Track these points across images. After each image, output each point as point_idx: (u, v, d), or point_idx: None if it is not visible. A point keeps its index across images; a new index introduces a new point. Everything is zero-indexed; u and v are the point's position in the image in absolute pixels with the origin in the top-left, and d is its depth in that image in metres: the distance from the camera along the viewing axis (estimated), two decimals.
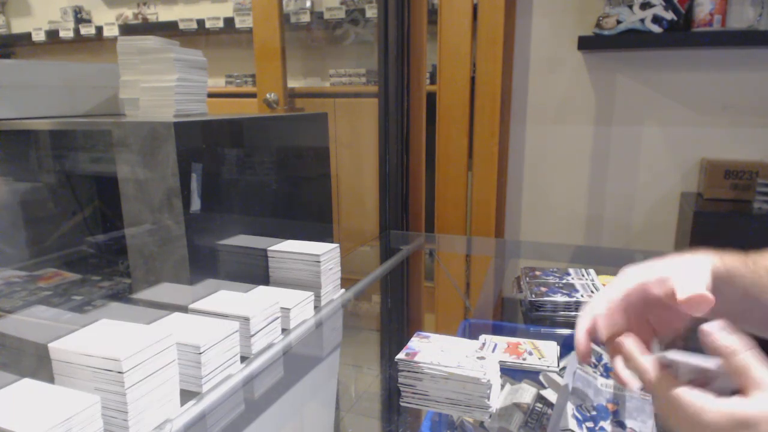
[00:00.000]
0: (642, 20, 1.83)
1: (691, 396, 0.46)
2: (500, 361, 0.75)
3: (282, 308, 0.91)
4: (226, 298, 0.89)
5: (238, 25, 3.03)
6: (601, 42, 1.91)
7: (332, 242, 1.07)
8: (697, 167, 2.01)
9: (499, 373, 0.77)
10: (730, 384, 0.46)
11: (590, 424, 0.76)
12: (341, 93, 2.76)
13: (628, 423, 0.77)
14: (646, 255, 1.45)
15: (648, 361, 0.52)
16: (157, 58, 1.10)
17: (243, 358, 0.81)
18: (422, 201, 2.06)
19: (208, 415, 0.70)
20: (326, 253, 1.02)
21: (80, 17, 3.47)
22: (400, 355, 0.72)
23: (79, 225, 1.29)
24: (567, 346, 0.95)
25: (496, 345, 0.94)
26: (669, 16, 1.81)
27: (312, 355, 0.96)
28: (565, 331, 1.06)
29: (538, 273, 1.28)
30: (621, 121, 2.07)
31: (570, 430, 0.73)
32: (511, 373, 0.90)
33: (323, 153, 1.43)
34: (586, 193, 2.16)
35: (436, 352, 0.73)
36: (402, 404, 0.73)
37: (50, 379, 0.64)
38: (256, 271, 1.06)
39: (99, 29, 3.36)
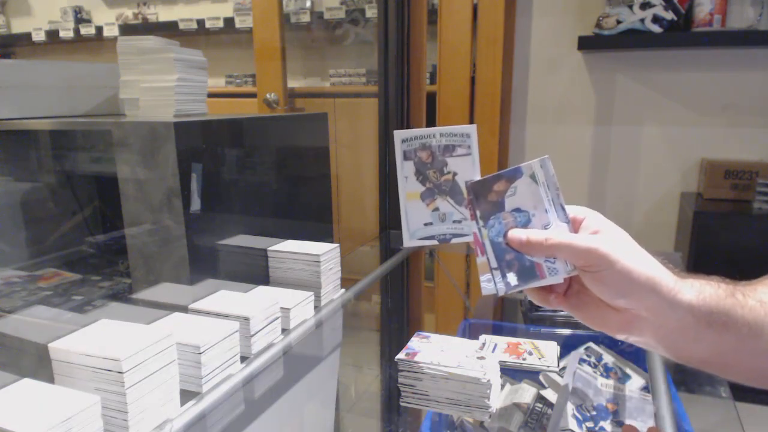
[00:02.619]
0: (642, 20, 1.83)
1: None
2: (500, 361, 0.75)
3: (282, 308, 0.91)
4: (226, 298, 0.89)
5: (238, 25, 3.03)
6: (601, 42, 1.91)
7: (332, 242, 1.07)
8: (697, 167, 2.01)
9: (499, 373, 0.77)
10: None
11: (590, 424, 0.76)
12: (341, 93, 2.76)
13: (628, 423, 0.77)
14: None
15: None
16: (157, 58, 1.10)
17: (243, 358, 0.81)
18: None
19: (208, 416, 0.70)
20: (326, 253, 1.02)
21: (80, 17, 3.47)
22: (400, 355, 0.72)
23: (79, 225, 1.29)
24: (567, 346, 0.95)
25: (496, 345, 0.94)
26: (669, 16, 1.81)
27: (312, 355, 0.96)
28: (565, 331, 1.06)
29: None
30: (621, 121, 2.07)
31: (570, 430, 0.73)
32: (511, 373, 0.90)
33: (323, 153, 1.43)
34: (586, 193, 2.16)
35: (436, 352, 0.73)
36: (402, 404, 0.73)
37: (50, 379, 0.64)
38: (256, 271, 1.06)
39: (99, 29, 3.36)
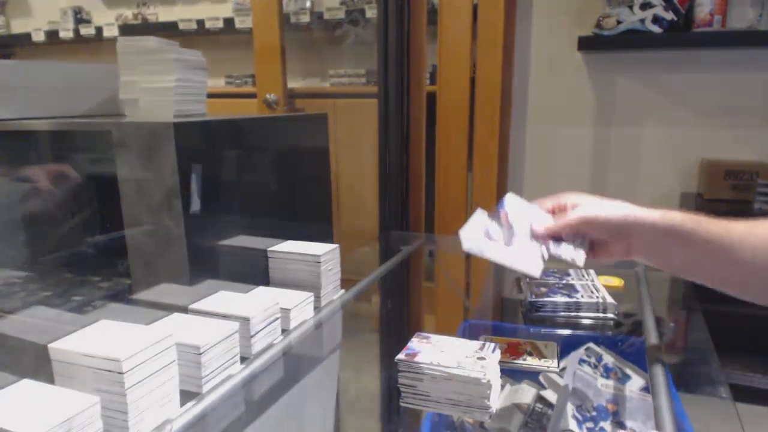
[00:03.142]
0: (642, 20, 1.83)
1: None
2: (500, 362, 0.75)
3: (282, 309, 0.91)
4: (226, 298, 0.89)
5: (237, 25, 3.03)
6: (601, 42, 1.91)
7: (332, 243, 1.07)
8: (697, 168, 2.01)
9: (499, 374, 0.77)
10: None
11: (590, 425, 0.76)
12: (341, 93, 2.76)
13: (628, 423, 0.77)
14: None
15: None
16: (157, 59, 1.10)
17: (243, 359, 0.81)
18: (422, 201, 2.06)
19: (208, 416, 0.70)
20: (326, 253, 1.02)
21: (80, 18, 3.47)
22: (400, 356, 0.72)
23: (78, 225, 1.29)
24: (567, 346, 0.95)
25: (496, 345, 0.94)
26: (669, 16, 1.81)
27: (312, 355, 0.96)
28: (566, 332, 1.06)
29: None
30: (621, 122, 2.07)
31: (570, 430, 0.73)
32: (511, 374, 0.90)
33: (323, 153, 1.43)
34: (586, 194, 2.16)
35: (436, 353, 0.73)
36: (402, 405, 0.73)
37: (50, 380, 0.64)
38: (255, 272, 1.05)
39: (99, 30, 3.36)
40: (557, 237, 0.76)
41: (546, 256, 0.76)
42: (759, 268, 0.66)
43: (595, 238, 0.76)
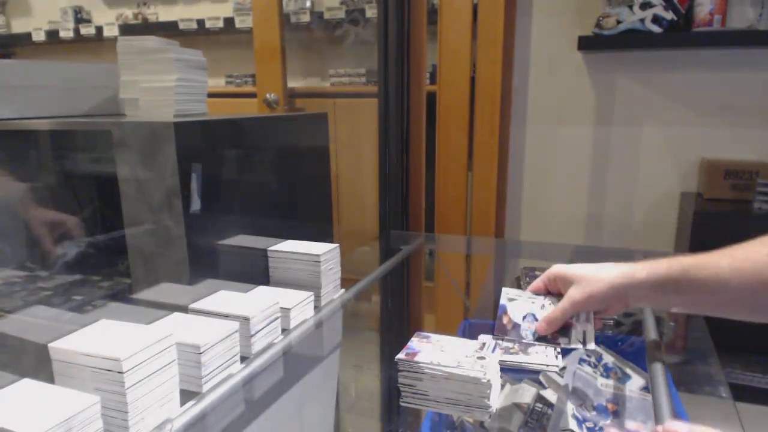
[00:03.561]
0: (642, 20, 1.83)
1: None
2: (500, 361, 0.75)
3: (282, 308, 0.91)
4: (226, 298, 0.89)
5: (238, 25, 3.03)
6: (600, 42, 1.91)
7: (332, 242, 1.07)
8: (697, 167, 2.01)
9: (499, 373, 0.77)
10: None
11: (590, 425, 0.76)
12: (341, 93, 2.76)
13: (628, 423, 0.77)
14: (645, 255, 1.45)
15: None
16: (157, 58, 1.10)
17: (243, 358, 0.81)
18: (422, 201, 2.06)
19: (208, 415, 0.70)
20: (326, 253, 1.02)
21: (80, 17, 3.47)
22: (400, 355, 0.72)
23: (78, 225, 1.29)
24: None
25: (496, 345, 0.94)
26: (669, 16, 1.81)
27: (312, 355, 0.96)
28: None
29: (538, 273, 1.27)
30: (621, 122, 2.07)
31: (570, 430, 0.73)
32: (511, 373, 0.90)
33: (323, 153, 1.43)
34: (586, 193, 2.16)
35: (436, 352, 0.73)
36: (402, 404, 0.73)
37: (50, 380, 0.64)
38: (256, 271, 1.06)
39: (99, 29, 3.36)
40: (562, 324, 0.79)
41: (559, 349, 0.79)
42: (751, 297, 0.67)
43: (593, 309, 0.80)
